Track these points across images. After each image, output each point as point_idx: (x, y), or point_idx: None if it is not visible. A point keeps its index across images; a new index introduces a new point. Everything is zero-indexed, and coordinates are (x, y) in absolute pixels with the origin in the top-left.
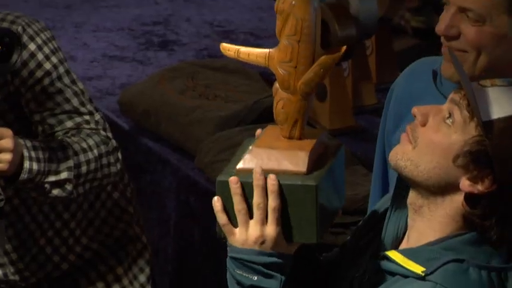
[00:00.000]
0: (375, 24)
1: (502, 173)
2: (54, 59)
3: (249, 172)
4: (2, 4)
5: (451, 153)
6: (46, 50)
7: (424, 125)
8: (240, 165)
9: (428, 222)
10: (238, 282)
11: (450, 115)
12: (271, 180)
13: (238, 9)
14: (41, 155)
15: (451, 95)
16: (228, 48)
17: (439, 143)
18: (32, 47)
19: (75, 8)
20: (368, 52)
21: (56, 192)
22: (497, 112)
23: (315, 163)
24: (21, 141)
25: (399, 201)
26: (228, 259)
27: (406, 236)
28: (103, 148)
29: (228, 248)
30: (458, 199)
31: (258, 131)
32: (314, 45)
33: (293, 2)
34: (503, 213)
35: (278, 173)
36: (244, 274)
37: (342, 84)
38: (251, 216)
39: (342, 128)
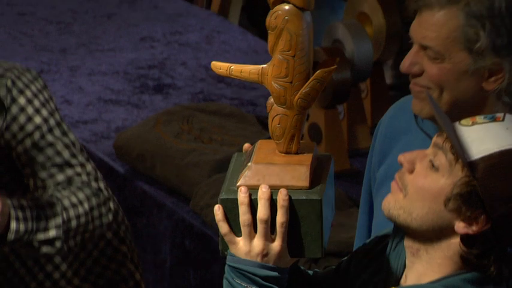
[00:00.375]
0: (370, 67)
1: (494, 210)
2: (44, 112)
3: (250, 188)
4: None
5: (441, 198)
6: (36, 103)
7: (411, 172)
8: (241, 182)
9: (427, 265)
10: None
11: (435, 159)
12: (283, 195)
13: (233, 52)
14: (28, 214)
15: (434, 139)
16: (220, 67)
17: (429, 188)
18: (22, 101)
19: (70, 52)
20: (363, 95)
21: (45, 249)
22: (481, 151)
23: (315, 177)
24: (8, 201)
25: (398, 239)
26: (226, 267)
27: (404, 276)
28: (94, 201)
29: (228, 257)
30: (454, 240)
31: (246, 145)
32: (309, 60)
33: (286, 17)
34: (500, 249)
35: (279, 189)
36: (243, 284)
37: (337, 127)
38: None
39: (337, 171)
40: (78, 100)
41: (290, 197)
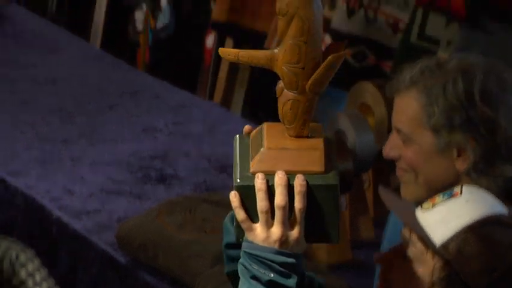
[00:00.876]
0: (372, 158)
1: (477, 285)
2: (44, 286)
3: (265, 174)
4: None
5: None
6: (37, 277)
7: (391, 268)
8: (255, 168)
9: None
10: (254, 277)
11: (408, 252)
12: (301, 180)
13: None
14: None
15: (402, 232)
16: (228, 53)
17: (410, 281)
18: (23, 274)
19: (72, 143)
20: (365, 186)
21: None
22: (446, 231)
23: (327, 160)
24: None
25: None
26: (242, 253)
27: None
28: None
29: (244, 243)
30: None
31: (247, 128)
32: (320, 45)
33: (297, 3)
34: None
35: (294, 174)
36: (260, 270)
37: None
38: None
39: (339, 262)
40: (80, 190)
41: (307, 183)
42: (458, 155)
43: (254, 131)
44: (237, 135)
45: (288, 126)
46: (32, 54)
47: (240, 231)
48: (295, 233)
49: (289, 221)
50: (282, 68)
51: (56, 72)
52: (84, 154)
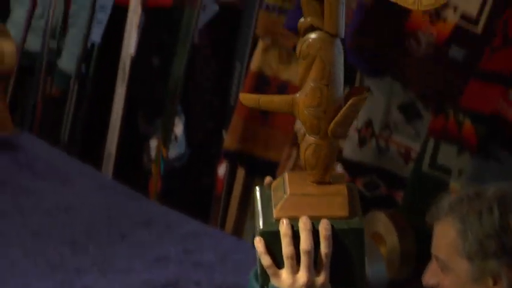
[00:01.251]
0: (384, 287)
1: None
2: None
3: (289, 220)
4: (4, 233)
5: None
6: None
7: None
8: (280, 214)
9: None
10: None
11: None
12: (326, 225)
13: (248, 272)
14: None
15: None
16: (249, 98)
17: None
18: None
19: (83, 273)
20: None
21: None
22: None
23: (352, 206)
24: None
25: None
26: None
27: None
28: None
29: None
30: None
31: (268, 179)
32: (341, 89)
33: (319, 45)
34: None
35: (319, 219)
36: None
37: None
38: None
39: None
40: None
41: (332, 227)
42: (494, 284)
43: (275, 181)
44: (257, 187)
45: (310, 171)
46: (44, 184)
47: (265, 278)
48: (321, 278)
49: (314, 266)
50: (303, 112)
51: (68, 202)
52: (95, 284)
